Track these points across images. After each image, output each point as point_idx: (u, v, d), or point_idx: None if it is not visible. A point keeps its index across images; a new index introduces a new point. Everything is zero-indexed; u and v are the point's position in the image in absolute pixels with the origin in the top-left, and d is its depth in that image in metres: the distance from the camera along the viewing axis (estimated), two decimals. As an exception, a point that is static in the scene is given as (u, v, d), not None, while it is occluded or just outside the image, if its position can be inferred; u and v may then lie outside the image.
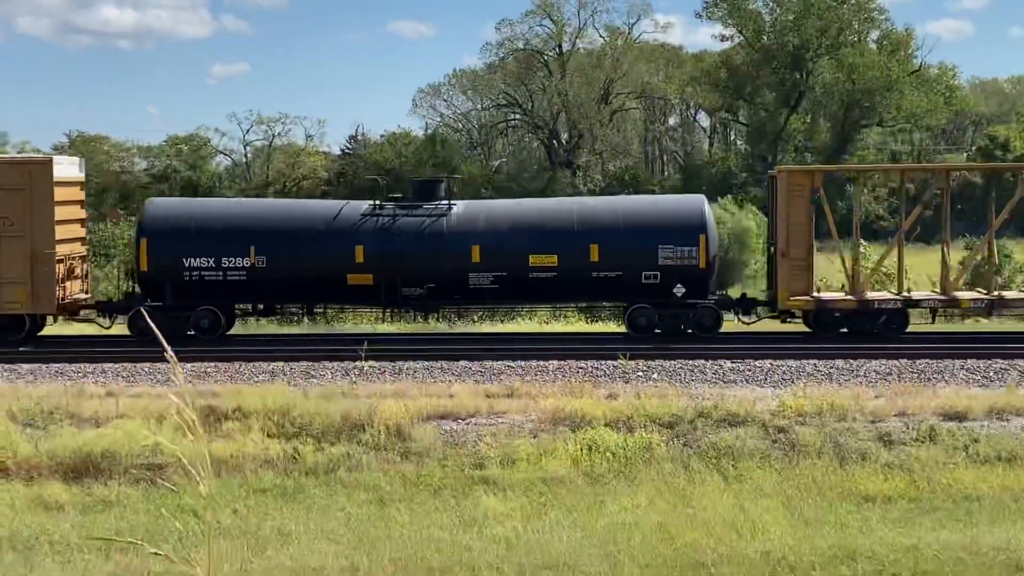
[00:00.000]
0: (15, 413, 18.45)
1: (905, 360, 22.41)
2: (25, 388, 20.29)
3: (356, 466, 17.08)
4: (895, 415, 18.43)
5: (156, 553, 4.76)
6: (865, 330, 25.18)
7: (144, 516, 15.43)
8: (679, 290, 24.88)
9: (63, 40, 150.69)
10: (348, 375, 21.58)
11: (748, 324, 26.59)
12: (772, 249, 26.37)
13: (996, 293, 25.73)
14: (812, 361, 22.40)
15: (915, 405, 18.78)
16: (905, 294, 25.58)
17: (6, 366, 22.26)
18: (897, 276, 26.46)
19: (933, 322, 27.43)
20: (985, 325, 29.52)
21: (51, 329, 27.96)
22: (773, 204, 26.22)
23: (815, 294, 25.43)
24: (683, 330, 25.06)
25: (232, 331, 26.45)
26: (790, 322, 26.29)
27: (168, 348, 4.88)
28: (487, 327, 30.54)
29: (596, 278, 24.94)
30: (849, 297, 25.57)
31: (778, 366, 22.02)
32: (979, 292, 26.85)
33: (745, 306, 26.70)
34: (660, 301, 24.90)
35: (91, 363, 22.58)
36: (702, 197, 26.51)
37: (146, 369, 22.19)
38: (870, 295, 25.71)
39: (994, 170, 37.24)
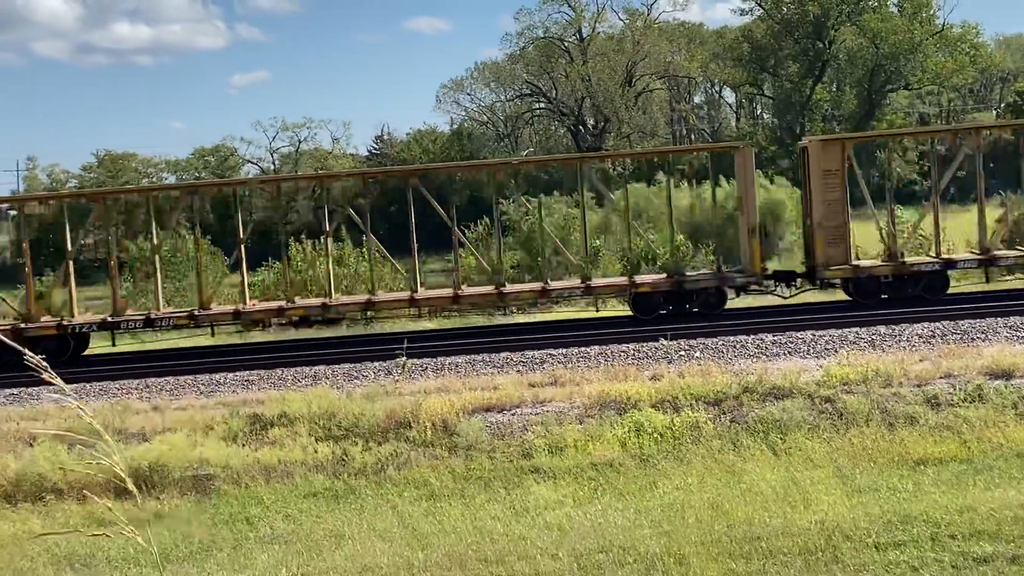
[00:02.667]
0: (63, 432, 18.60)
1: (948, 322, 22.22)
2: (72, 408, 20.41)
3: (405, 464, 17.11)
4: (941, 377, 18.27)
5: (95, 534, 4.82)
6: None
7: (197, 527, 15.52)
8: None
9: (81, 61, 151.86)
10: (390, 374, 21.61)
11: (786, 298, 26.47)
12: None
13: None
14: (854, 329, 22.25)
15: (960, 366, 18.61)
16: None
17: (52, 386, 22.42)
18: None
19: (988, 281, 27.21)
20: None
21: (95, 348, 28.20)
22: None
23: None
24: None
25: (269, 338, 26.61)
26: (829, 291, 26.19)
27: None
28: (523, 318, 30.51)
29: None
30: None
31: (820, 336, 21.89)
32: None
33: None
34: None
35: (135, 379, 22.74)
36: None
37: (190, 382, 22.32)
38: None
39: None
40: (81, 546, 15.14)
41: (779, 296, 26.52)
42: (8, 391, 22.37)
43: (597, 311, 30.22)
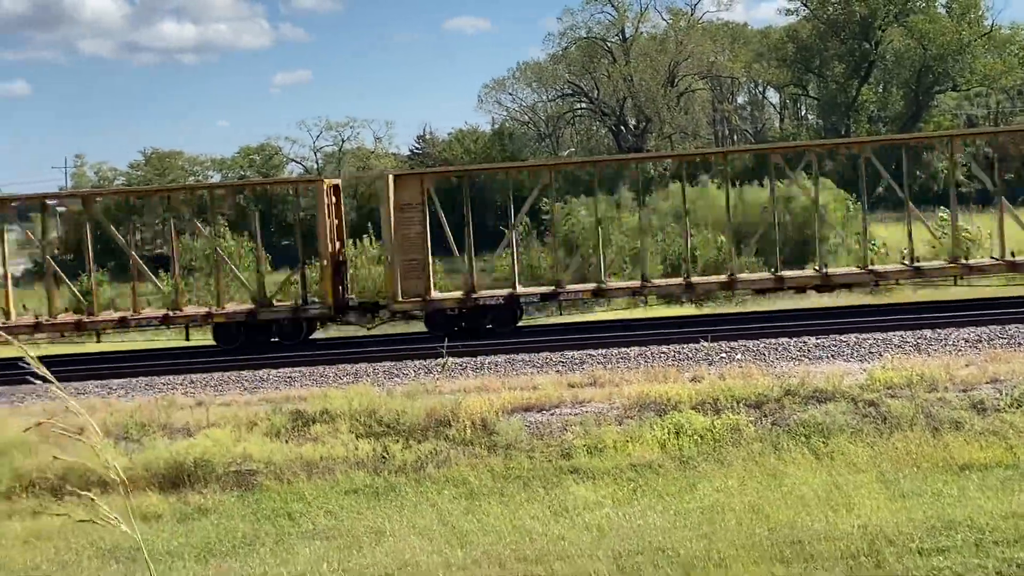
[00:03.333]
0: (109, 427, 18.81)
1: (995, 326, 22.01)
2: (118, 402, 20.66)
3: (444, 462, 17.16)
4: (987, 382, 18.10)
5: (82, 521, 4.89)
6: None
7: (240, 521, 15.64)
8: None
9: (127, 59, 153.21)
10: (431, 372, 21.67)
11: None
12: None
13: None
14: (899, 333, 22.08)
15: (1007, 371, 18.42)
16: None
17: (99, 381, 22.69)
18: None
19: None
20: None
21: (138, 344, 28.51)
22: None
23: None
24: None
25: (314, 336, 26.76)
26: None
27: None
28: (563, 318, 30.51)
29: None
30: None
31: (864, 339, 21.74)
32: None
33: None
34: None
35: (180, 375, 22.94)
36: None
37: (233, 378, 22.49)
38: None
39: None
40: (125, 539, 15.30)
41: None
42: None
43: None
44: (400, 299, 25.42)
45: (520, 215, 27.68)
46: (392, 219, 25.28)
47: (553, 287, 26.31)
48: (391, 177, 25.93)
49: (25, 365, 4.47)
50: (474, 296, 25.62)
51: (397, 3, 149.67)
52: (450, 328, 25.29)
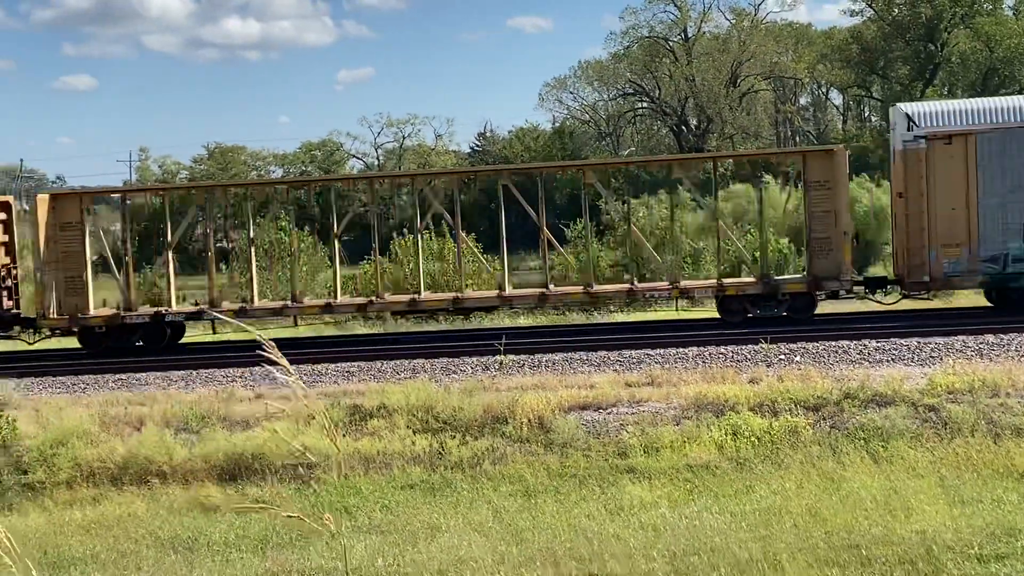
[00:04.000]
0: (169, 419, 19.05)
1: (1059, 332, 21.69)
2: (178, 394, 20.91)
3: (500, 459, 17.20)
4: (1051, 389, 17.85)
5: (290, 516, 4.96)
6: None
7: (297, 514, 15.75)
8: None
9: (192, 55, 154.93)
10: (488, 369, 21.72)
11: (887, 304, 26.06)
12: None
13: None
14: (960, 338, 21.81)
15: (1072, 378, 18.15)
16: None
17: (160, 373, 22.97)
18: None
19: None
20: None
21: (199, 337, 28.82)
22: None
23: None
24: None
25: (372, 331, 26.94)
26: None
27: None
28: (622, 317, 30.47)
29: None
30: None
31: (925, 344, 21.49)
32: None
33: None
34: None
35: (240, 368, 23.16)
36: None
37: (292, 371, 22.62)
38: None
39: None
40: (184, 530, 15.49)
41: (879, 302, 26.06)
42: (116, 376, 22.94)
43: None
44: (52, 316, 25.97)
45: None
46: (44, 237, 25.86)
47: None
48: (47, 197, 26.63)
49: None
50: (123, 315, 26.07)
51: (460, 1, 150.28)
52: (99, 345, 25.90)
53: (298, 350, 24.56)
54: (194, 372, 23.07)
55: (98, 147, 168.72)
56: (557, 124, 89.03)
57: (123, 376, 22.93)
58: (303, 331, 30.63)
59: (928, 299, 26.50)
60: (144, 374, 22.97)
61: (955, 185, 24.28)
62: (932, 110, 25.17)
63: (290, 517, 4.80)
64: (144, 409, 19.68)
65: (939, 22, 76.44)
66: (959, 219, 24.29)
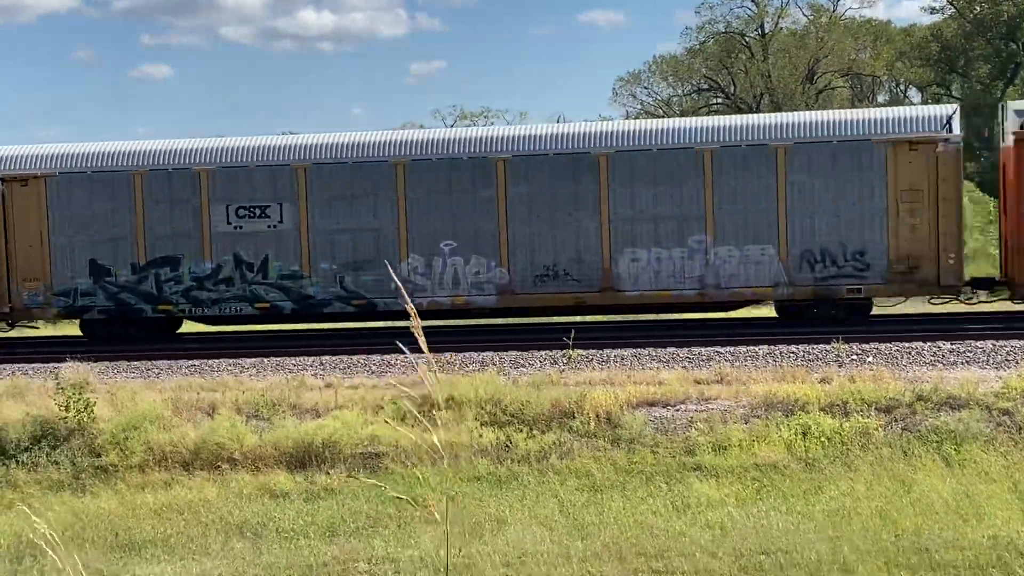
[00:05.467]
0: (241, 405, 19.27)
1: None
2: (249, 381, 21.14)
3: (567, 453, 17.20)
4: None
5: (398, 497, 5.03)
6: None
7: (365, 503, 15.90)
8: None
9: (266, 46, 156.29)
10: (556, 363, 21.70)
11: (971, 304, 25.65)
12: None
13: None
14: (1037, 341, 21.42)
15: None
16: None
17: (232, 360, 23.23)
18: None
19: None
20: None
21: (261, 327, 29.10)
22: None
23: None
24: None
25: (439, 323, 26.97)
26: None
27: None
28: (690, 314, 30.27)
29: None
30: None
31: (1001, 347, 21.13)
32: None
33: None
34: None
35: (310, 356, 23.35)
36: None
37: (361, 361, 22.80)
38: None
39: None
40: (253, 515, 15.68)
41: (961, 302, 25.65)
42: (190, 362, 23.24)
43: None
44: None
45: None
46: None
47: None
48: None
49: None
50: None
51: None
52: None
53: (367, 341, 24.72)
54: (264, 360, 23.29)
55: (174, 136, 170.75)
56: (630, 118, 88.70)
57: (196, 362, 23.22)
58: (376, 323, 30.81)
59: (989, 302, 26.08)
60: (216, 360, 23.24)
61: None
62: None
63: (397, 498, 4.89)
64: (216, 395, 19.93)
65: (1021, 20, 74.96)
66: None
